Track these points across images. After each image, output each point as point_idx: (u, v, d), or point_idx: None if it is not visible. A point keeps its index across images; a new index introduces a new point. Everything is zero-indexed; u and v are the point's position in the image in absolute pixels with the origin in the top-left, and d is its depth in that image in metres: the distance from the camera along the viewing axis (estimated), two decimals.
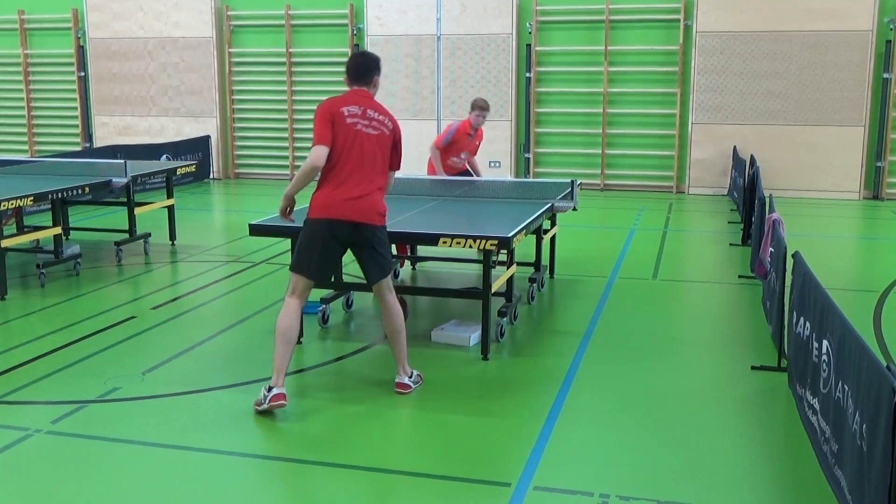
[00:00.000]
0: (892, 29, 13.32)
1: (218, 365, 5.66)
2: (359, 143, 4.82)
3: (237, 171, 16.26)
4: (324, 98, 5.03)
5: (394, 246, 8.05)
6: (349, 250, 5.01)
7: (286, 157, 15.87)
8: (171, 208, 9.59)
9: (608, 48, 14.28)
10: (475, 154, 8.87)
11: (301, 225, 5.00)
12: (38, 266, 7.81)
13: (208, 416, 4.86)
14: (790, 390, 5.10)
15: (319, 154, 4.77)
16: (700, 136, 14.14)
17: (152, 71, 16.20)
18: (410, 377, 5.16)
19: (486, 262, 5.68)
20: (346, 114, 4.82)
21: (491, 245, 5.47)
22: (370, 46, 15.02)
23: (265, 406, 4.72)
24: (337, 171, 4.82)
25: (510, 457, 4.29)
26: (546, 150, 15.05)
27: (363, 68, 5.00)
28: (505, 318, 6.21)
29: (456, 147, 8.60)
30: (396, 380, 5.15)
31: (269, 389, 4.73)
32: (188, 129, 15.86)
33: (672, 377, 5.48)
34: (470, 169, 8.91)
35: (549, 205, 7.01)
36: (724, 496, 3.91)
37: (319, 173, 4.87)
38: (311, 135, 4.93)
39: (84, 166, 10.11)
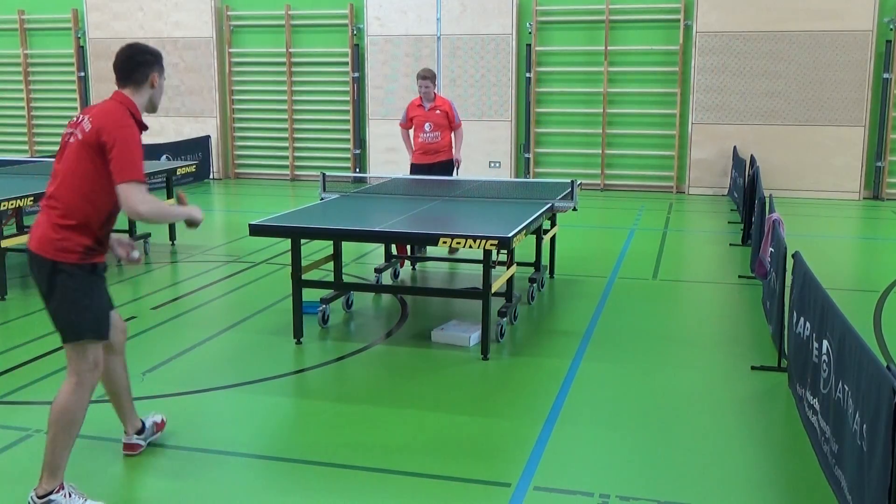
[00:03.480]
0: (892, 29, 13.32)
1: (218, 365, 5.66)
2: (60, 153, 3.79)
3: (237, 171, 16.25)
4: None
5: (394, 246, 8.12)
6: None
7: (286, 158, 15.87)
8: None
9: (608, 48, 14.28)
10: (451, 125, 8.76)
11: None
12: None
13: (208, 416, 4.86)
14: (790, 390, 5.10)
15: None
16: (700, 136, 14.14)
17: None
18: (42, 497, 3.67)
19: (486, 262, 5.68)
20: (67, 124, 3.86)
21: (491, 245, 5.47)
22: (370, 46, 15.03)
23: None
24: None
25: (510, 457, 4.29)
26: (546, 150, 15.05)
27: (128, 62, 3.92)
28: (505, 318, 6.21)
29: (416, 122, 8.68)
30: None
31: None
32: (188, 129, 15.85)
33: (672, 377, 5.48)
34: (406, 139, 8.91)
35: (549, 205, 7.01)
36: (724, 496, 3.91)
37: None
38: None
39: None
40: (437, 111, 8.67)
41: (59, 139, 18.14)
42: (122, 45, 4.00)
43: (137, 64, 3.91)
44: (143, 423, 4.35)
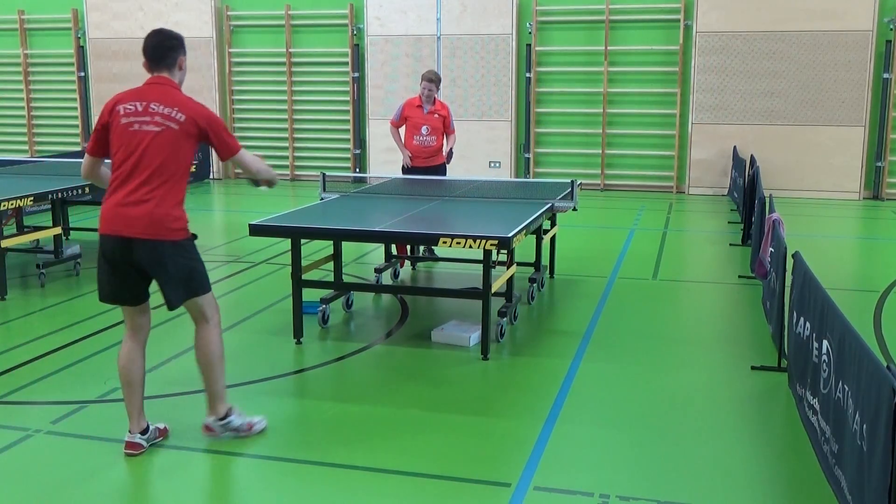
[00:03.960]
0: (892, 29, 13.32)
1: None
2: (132, 143, 4.11)
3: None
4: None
5: (394, 246, 8.12)
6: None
7: (286, 158, 15.86)
8: None
9: (608, 48, 14.28)
10: (445, 131, 8.64)
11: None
12: (38, 266, 7.82)
13: None
14: (790, 390, 5.10)
15: (83, 166, 4.39)
16: (700, 136, 14.14)
17: None
18: (222, 419, 4.42)
19: (486, 262, 5.68)
20: (122, 113, 4.15)
21: (491, 245, 5.47)
22: (370, 46, 15.03)
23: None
24: (113, 179, 4.18)
25: (510, 457, 4.29)
26: (546, 150, 15.05)
27: (160, 49, 4.26)
28: (505, 318, 6.21)
29: (412, 123, 8.48)
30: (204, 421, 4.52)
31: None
32: None
33: (672, 377, 5.48)
34: (397, 138, 8.74)
35: (549, 205, 7.01)
36: (724, 496, 3.91)
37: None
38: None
39: None
40: (436, 115, 8.53)
41: (58, 139, 18.07)
42: (148, 32, 4.33)
43: (167, 49, 4.27)
44: (148, 425, 4.38)
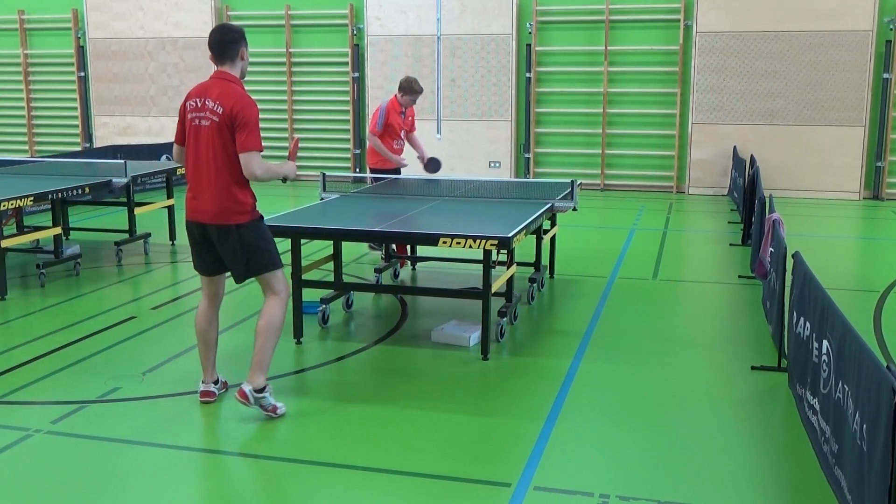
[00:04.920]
0: (892, 29, 13.32)
1: (218, 365, 5.64)
2: (194, 137, 4.59)
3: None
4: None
5: (394, 246, 8.12)
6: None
7: (286, 157, 15.82)
8: (171, 208, 9.58)
9: (608, 48, 14.28)
10: (413, 130, 8.75)
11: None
12: (38, 266, 7.81)
13: (208, 416, 4.86)
14: (790, 390, 5.10)
15: (174, 154, 4.87)
16: (700, 136, 14.14)
17: (152, 71, 16.21)
18: (259, 391, 4.68)
19: (486, 262, 5.68)
20: (189, 108, 4.62)
21: (491, 245, 5.47)
22: (370, 46, 15.03)
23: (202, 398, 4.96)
24: (186, 171, 4.71)
25: (510, 457, 4.29)
26: (546, 150, 15.05)
27: (222, 43, 4.63)
28: (505, 318, 6.21)
29: (392, 129, 8.48)
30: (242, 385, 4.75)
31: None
32: None
33: (672, 377, 5.48)
34: (413, 146, 8.73)
35: (549, 205, 7.01)
36: (724, 496, 3.91)
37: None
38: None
39: (84, 166, 10.12)
40: (409, 118, 8.65)
41: (58, 139, 18.09)
42: (212, 28, 4.69)
43: (229, 42, 4.61)
44: (218, 377, 5.01)
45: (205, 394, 4.93)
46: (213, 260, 4.78)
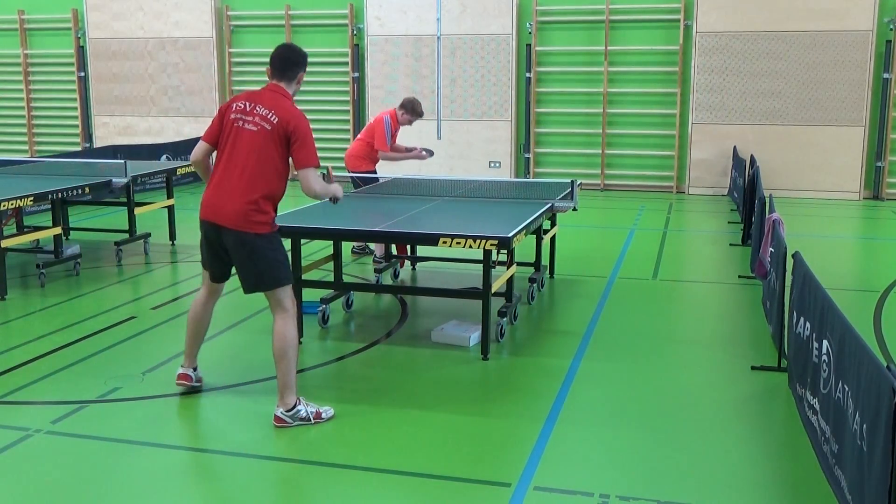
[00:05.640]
0: (892, 29, 13.32)
1: (218, 365, 5.65)
2: (233, 138, 4.55)
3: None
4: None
5: (394, 246, 8.12)
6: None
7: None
8: (171, 208, 9.59)
9: (608, 48, 14.28)
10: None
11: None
12: (38, 266, 7.81)
13: (208, 416, 4.86)
14: (790, 390, 5.10)
15: (195, 149, 4.81)
16: (700, 136, 14.14)
17: (152, 71, 16.21)
18: (290, 410, 4.61)
19: (486, 262, 5.68)
20: (234, 108, 4.60)
21: (491, 245, 5.47)
22: (370, 46, 15.03)
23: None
24: (214, 170, 4.67)
25: (510, 457, 4.29)
26: (546, 150, 15.05)
27: (286, 62, 4.68)
28: (505, 318, 6.21)
29: (393, 142, 8.64)
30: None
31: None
32: (188, 130, 15.85)
33: (672, 377, 5.48)
34: (397, 151, 8.72)
35: (549, 205, 7.01)
36: (724, 496, 3.91)
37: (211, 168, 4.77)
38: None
39: (84, 166, 10.11)
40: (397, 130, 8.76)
41: (58, 139, 18.09)
42: (280, 45, 4.77)
43: (293, 63, 4.68)
44: (197, 366, 5.09)
45: (183, 377, 5.00)
46: (222, 265, 4.78)
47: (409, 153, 8.70)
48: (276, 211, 4.67)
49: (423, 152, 8.69)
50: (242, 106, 4.56)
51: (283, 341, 4.58)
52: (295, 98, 4.80)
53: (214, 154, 4.75)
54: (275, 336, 4.60)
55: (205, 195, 4.66)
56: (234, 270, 4.77)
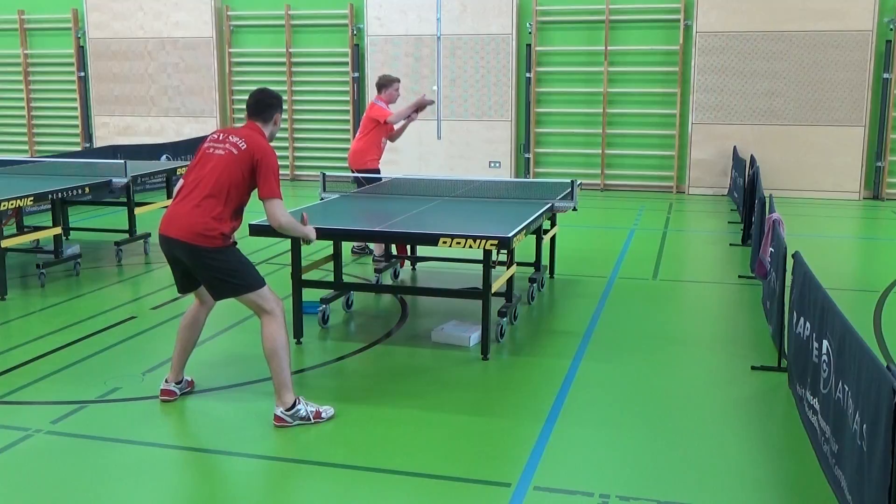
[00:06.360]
0: (892, 29, 13.32)
1: (218, 365, 5.66)
2: (202, 162, 4.68)
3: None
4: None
5: (394, 246, 8.12)
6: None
7: (286, 157, 15.85)
8: None
9: (608, 48, 14.28)
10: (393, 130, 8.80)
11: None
12: (38, 266, 7.81)
13: (208, 416, 4.86)
14: (790, 390, 5.10)
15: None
16: (700, 136, 14.14)
17: (152, 71, 16.21)
18: (290, 409, 4.64)
19: (486, 262, 5.68)
20: (209, 139, 4.78)
21: (491, 245, 5.47)
22: (370, 46, 15.03)
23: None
24: (180, 188, 4.76)
25: (510, 457, 4.29)
26: (546, 150, 15.05)
27: (260, 103, 4.85)
28: (505, 318, 6.21)
29: (384, 129, 8.58)
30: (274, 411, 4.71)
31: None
32: (188, 130, 15.85)
33: (672, 377, 5.48)
34: (405, 111, 8.59)
35: (549, 205, 7.01)
36: (724, 496, 3.91)
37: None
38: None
39: (84, 166, 10.11)
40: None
41: (58, 139, 18.13)
42: (254, 89, 4.94)
43: (266, 106, 4.84)
44: (184, 378, 5.06)
45: (166, 392, 4.97)
46: (184, 277, 4.79)
47: (413, 105, 8.53)
48: (232, 230, 4.65)
49: (425, 96, 8.66)
50: (216, 136, 4.75)
51: (272, 342, 4.62)
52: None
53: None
54: (263, 338, 4.65)
55: (166, 211, 4.75)
56: None
